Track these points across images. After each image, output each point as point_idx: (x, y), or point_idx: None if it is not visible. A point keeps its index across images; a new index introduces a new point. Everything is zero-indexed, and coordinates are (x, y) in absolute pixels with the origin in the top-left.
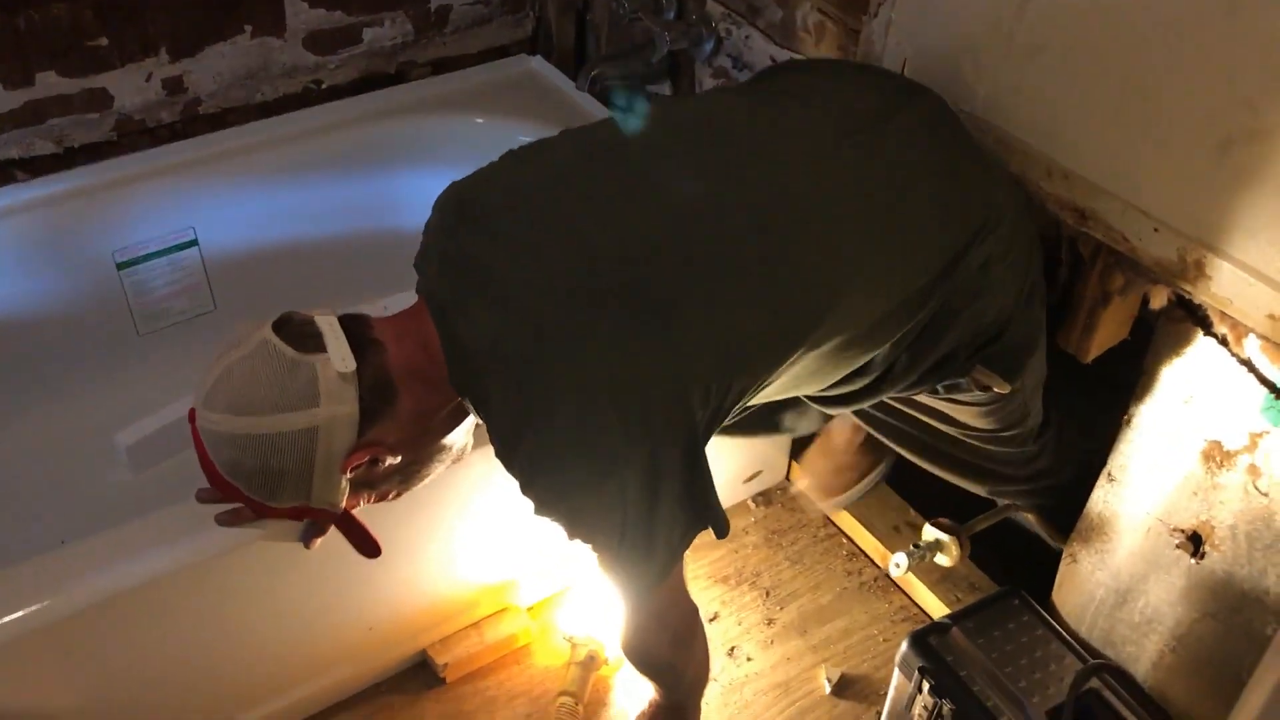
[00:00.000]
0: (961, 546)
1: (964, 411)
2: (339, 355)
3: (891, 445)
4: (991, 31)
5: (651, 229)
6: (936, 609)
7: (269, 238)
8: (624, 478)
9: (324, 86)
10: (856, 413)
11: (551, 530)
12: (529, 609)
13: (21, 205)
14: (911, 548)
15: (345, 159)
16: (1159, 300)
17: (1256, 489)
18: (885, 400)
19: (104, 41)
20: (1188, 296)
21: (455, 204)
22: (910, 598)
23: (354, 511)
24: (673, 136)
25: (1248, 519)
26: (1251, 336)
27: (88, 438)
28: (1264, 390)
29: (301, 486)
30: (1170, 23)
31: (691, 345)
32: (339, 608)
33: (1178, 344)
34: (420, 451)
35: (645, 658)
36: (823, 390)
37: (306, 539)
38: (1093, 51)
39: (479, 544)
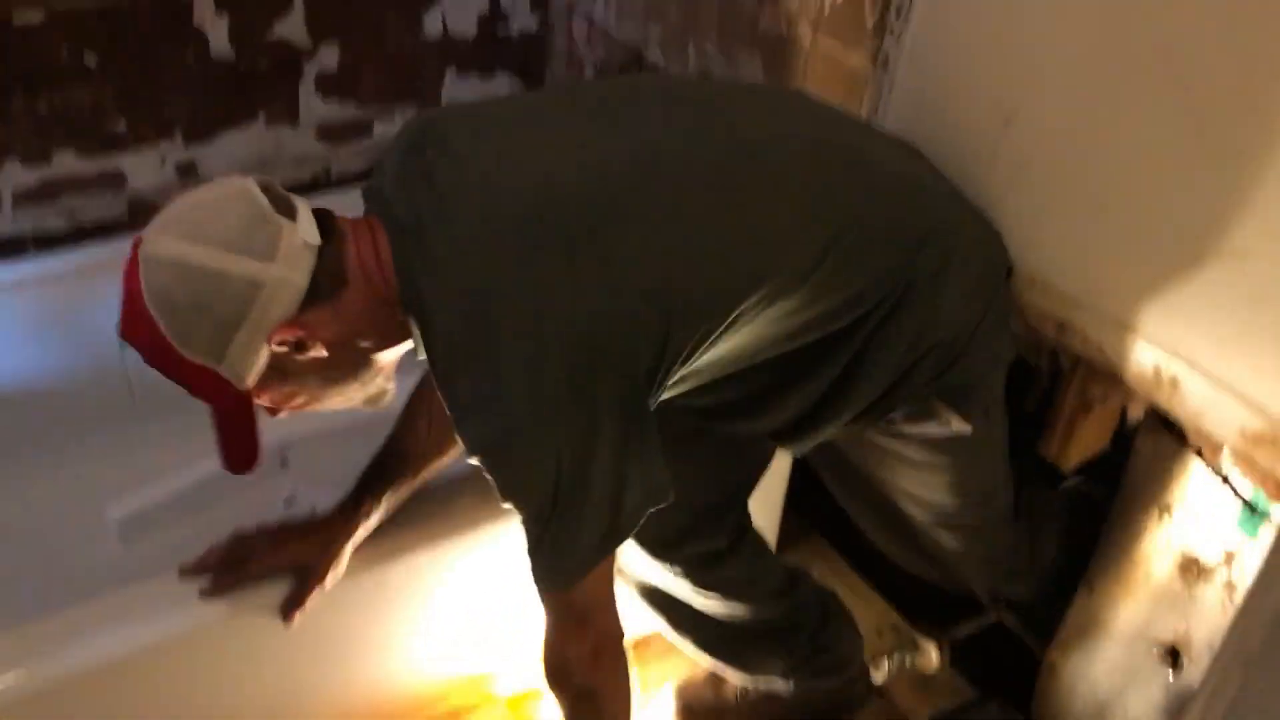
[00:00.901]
0: (943, 652)
1: (927, 475)
2: (307, 227)
3: (852, 511)
4: (976, 148)
5: (614, 171)
6: (918, 715)
7: None
8: (564, 430)
9: (333, 175)
10: (823, 462)
11: (532, 614)
12: (508, 701)
13: (31, 279)
14: (892, 653)
15: None
16: (1136, 412)
17: (1233, 603)
18: (847, 451)
19: (122, 125)
20: (1163, 410)
21: (421, 126)
22: (892, 701)
23: (253, 416)
24: (645, 93)
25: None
26: (1226, 450)
27: (80, 509)
28: (1239, 503)
29: (221, 340)
30: (1145, 143)
31: (641, 290)
32: (316, 689)
33: (1156, 455)
34: (346, 357)
35: (561, 674)
36: (787, 400)
37: (287, 612)
38: (1072, 169)
39: (451, 631)
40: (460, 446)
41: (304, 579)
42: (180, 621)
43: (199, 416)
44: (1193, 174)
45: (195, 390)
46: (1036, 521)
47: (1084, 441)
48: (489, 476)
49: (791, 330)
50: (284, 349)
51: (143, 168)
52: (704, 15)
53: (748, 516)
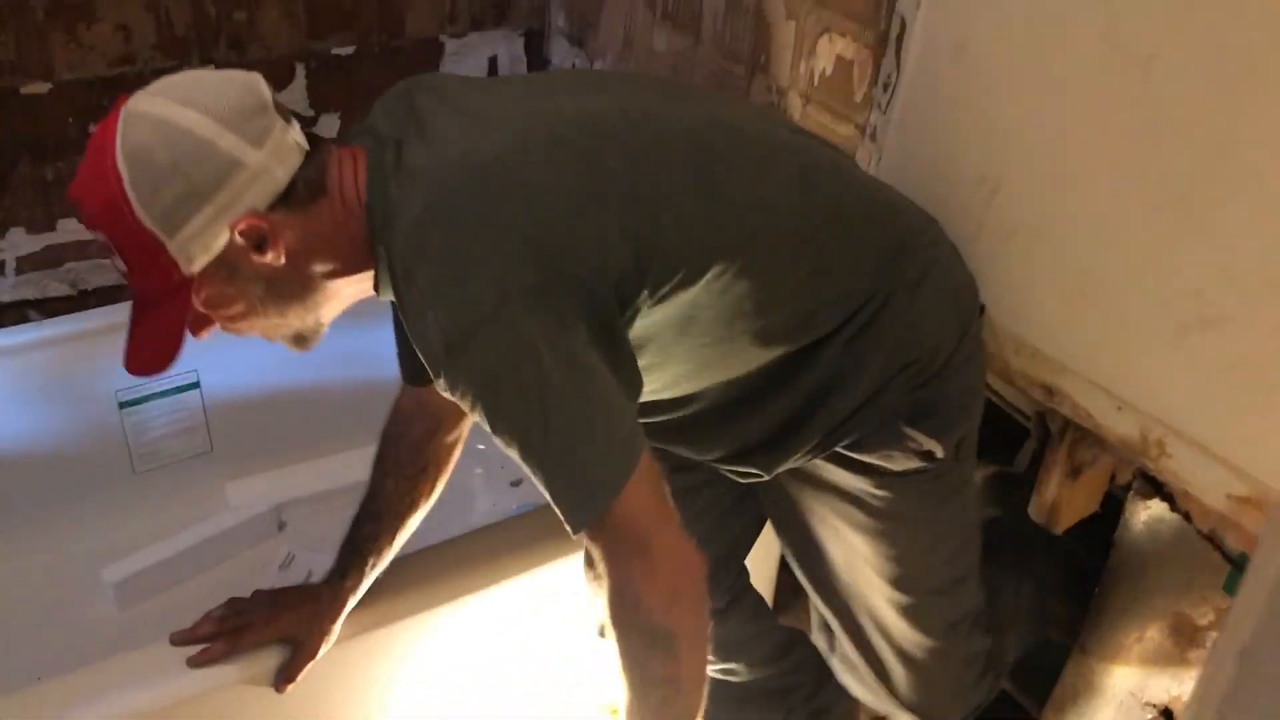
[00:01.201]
0: None
1: (888, 526)
2: (299, 133)
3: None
4: (963, 217)
5: (606, 118)
6: None
7: (268, 382)
8: (536, 321)
9: None
10: (786, 539)
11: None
12: None
13: (32, 344)
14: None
15: (348, 309)
16: (1125, 475)
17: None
18: (807, 516)
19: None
20: (1151, 473)
21: (410, 80)
22: None
23: (186, 313)
24: (635, 78)
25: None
26: (1214, 513)
27: (76, 572)
28: (1229, 566)
29: (185, 209)
30: (1126, 213)
31: (619, 220)
32: None
33: (1145, 518)
34: (300, 273)
35: (633, 612)
36: (766, 409)
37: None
38: (1056, 238)
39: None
40: (431, 499)
41: (296, 650)
42: (174, 689)
43: (197, 481)
44: (1173, 242)
45: (134, 263)
46: (1005, 626)
47: (1074, 504)
48: (465, 391)
49: (769, 331)
50: (244, 241)
51: None
52: (696, 85)
53: (745, 576)
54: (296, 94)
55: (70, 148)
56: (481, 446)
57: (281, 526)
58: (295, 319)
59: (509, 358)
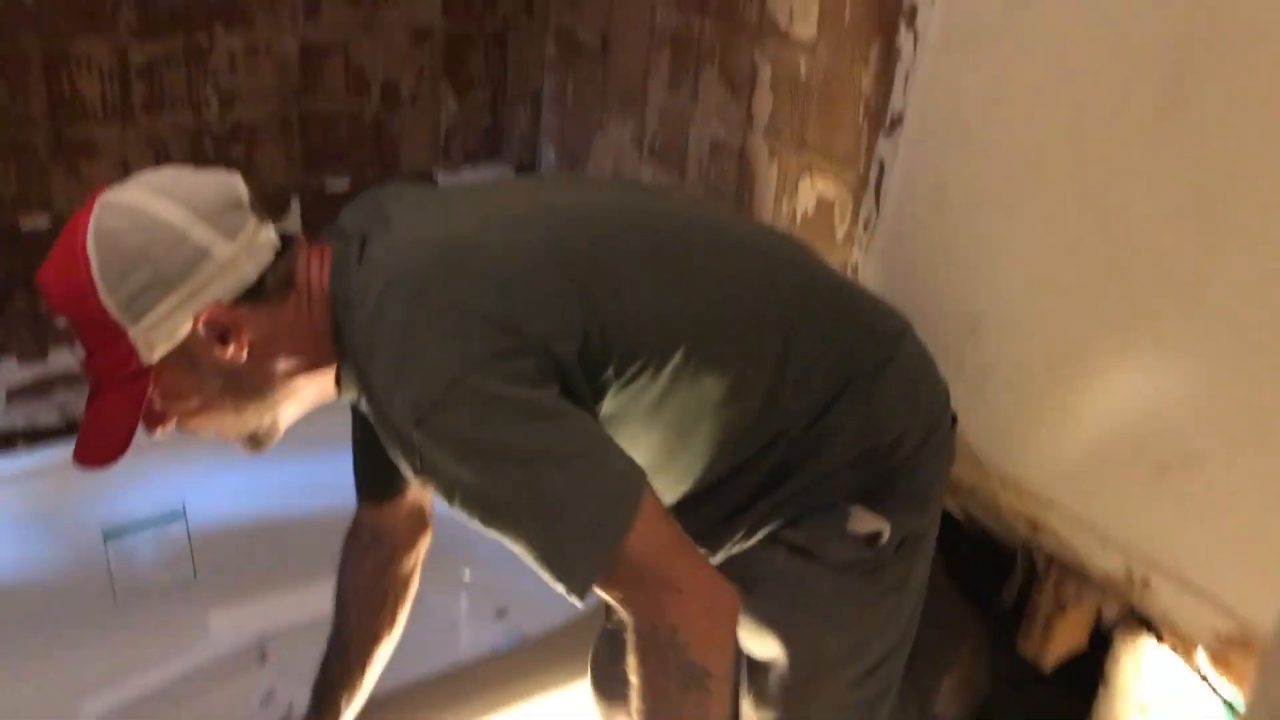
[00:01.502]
0: None
1: (804, 630)
2: (272, 233)
3: None
4: (944, 354)
5: (569, 205)
6: None
7: (253, 511)
8: (501, 381)
9: None
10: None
11: None
12: None
13: (20, 473)
14: None
15: (334, 436)
16: (1112, 611)
17: None
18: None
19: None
20: (1137, 610)
21: (377, 186)
22: None
23: (142, 402)
24: (598, 180)
25: None
26: (1201, 649)
27: (56, 704)
28: (1219, 702)
29: (150, 296)
30: (1103, 352)
31: (588, 289)
32: None
33: (1134, 654)
34: (261, 371)
35: (665, 650)
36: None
37: None
38: (1035, 375)
39: None
40: (395, 629)
41: None
42: None
43: (180, 610)
44: (1151, 381)
45: (94, 348)
46: None
47: (1062, 639)
48: (440, 466)
49: (734, 421)
50: (207, 333)
51: None
52: (659, 185)
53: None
54: (291, 225)
55: None
56: (467, 576)
57: (263, 658)
58: (252, 417)
59: (480, 420)
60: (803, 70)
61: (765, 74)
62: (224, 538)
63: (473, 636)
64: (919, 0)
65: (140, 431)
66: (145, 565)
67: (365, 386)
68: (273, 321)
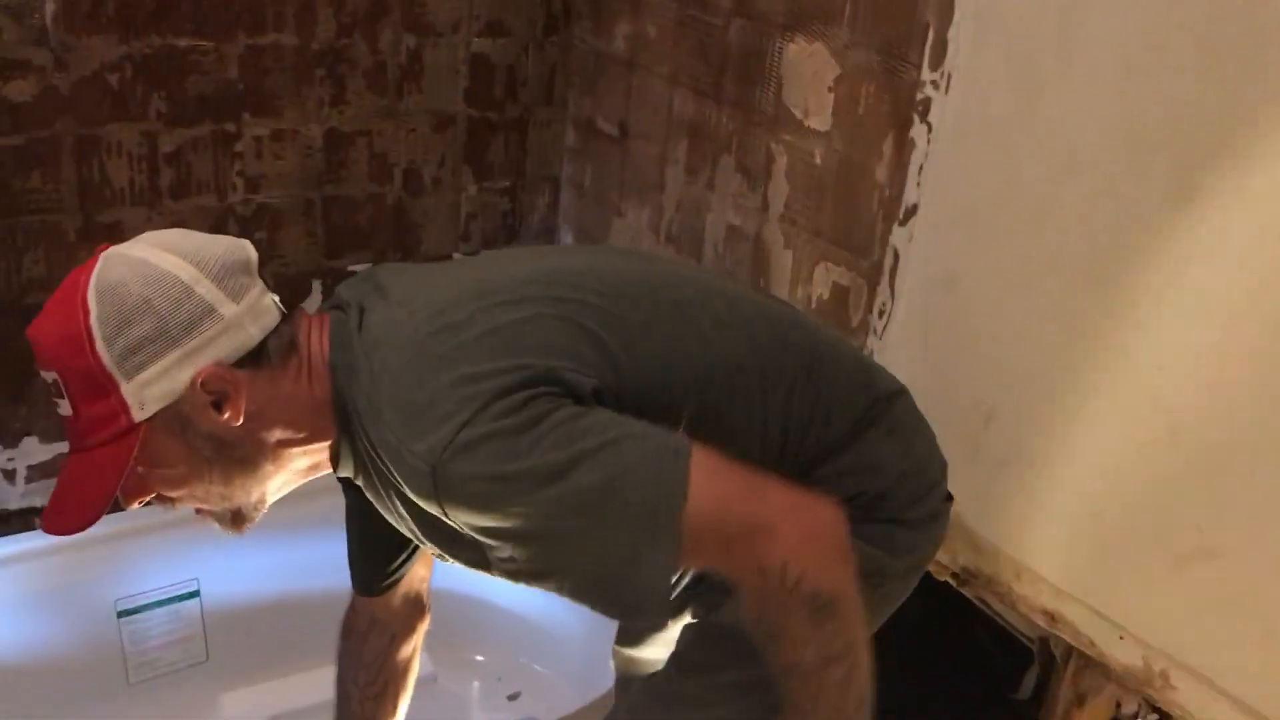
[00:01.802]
0: None
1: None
2: (275, 300)
3: None
4: (959, 444)
5: (574, 268)
6: None
7: (267, 592)
8: (526, 404)
9: None
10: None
11: None
12: None
13: (36, 552)
14: None
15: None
16: (1130, 705)
17: None
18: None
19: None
20: (1156, 704)
21: (374, 265)
22: None
23: (127, 463)
24: (605, 248)
25: None
26: None
27: None
28: None
29: (149, 350)
30: (1120, 446)
31: (599, 336)
32: None
33: None
34: (253, 440)
35: (779, 589)
36: None
37: None
38: (1052, 467)
39: None
40: (398, 715)
41: None
42: None
43: (192, 692)
44: (1168, 475)
45: (81, 402)
46: None
47: None
48: (467, 511)
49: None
50: (203, 395)
51: None
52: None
53: None
54: (311, 307)
55: None
56: (480, 658)
57: None
58: (239, 490)
59: (500, 456)
60: (818, 160)
61: (781, 163)
62: (237, 618)
63: None
64: (932, 93)
65: (131, 504)
66: (158, 644)
67: (372, 455)
68: (272, 388)
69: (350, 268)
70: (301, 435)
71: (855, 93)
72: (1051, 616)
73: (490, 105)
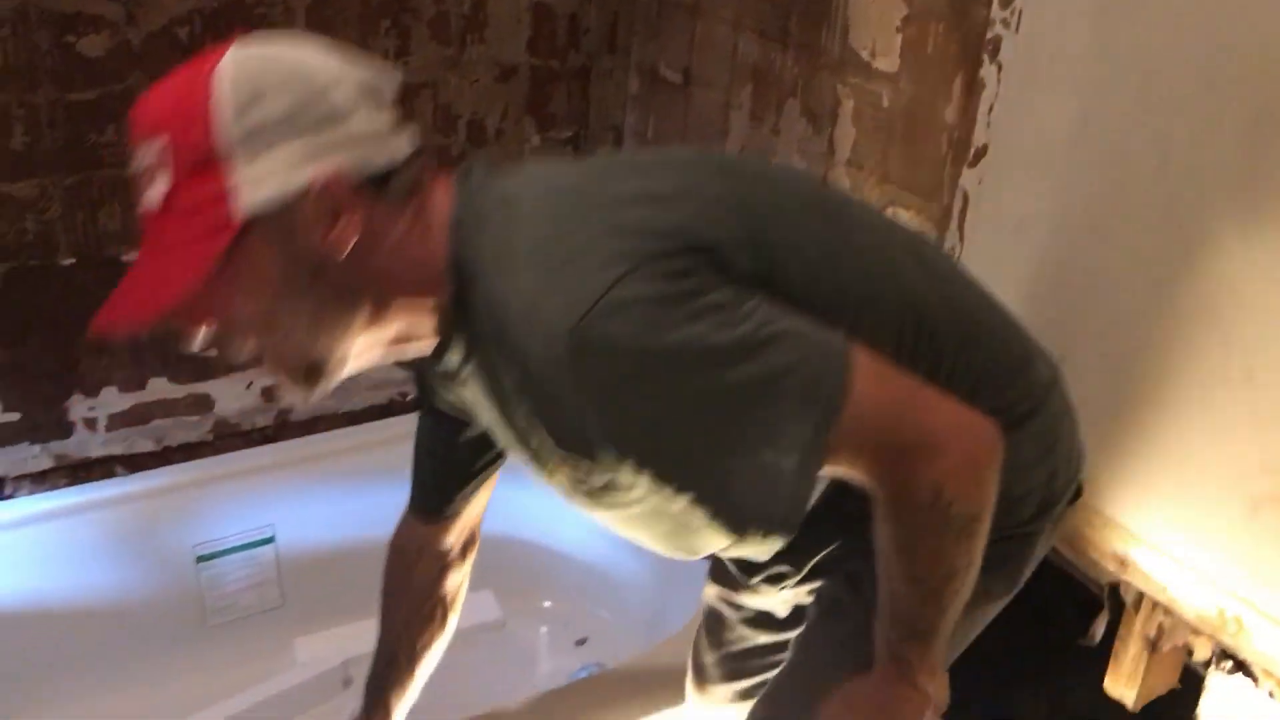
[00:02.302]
0: None
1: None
2: (411, 137)
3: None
4: None
5: (734, 166)
6: None
7: (340, 538)
8: (680, 290)
9: (409, 399)
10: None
11: None
12: None
13: (117, 499)
14: None
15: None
16: (1203, 651)
17: None
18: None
19: (214, 352)
20: (1230, 650)
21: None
22: None
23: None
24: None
25: None
26: None
27: None
28: None
29: (272, 135)
30: (1192, 388)
31: (745, 230)
32: None
33: (1226, 695)
34: (357, 275)
35: (933, 522)
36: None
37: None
38: (1124, 410)
39: None
40: (445, 635)
41: None
42: None
43: (266, 635)
44: (1240, 418)
45: (183, 182)
46: None
47: (1151, 679)
48: (602, 381)
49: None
50: (317, 205)
51: (230, 392)
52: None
53: None
54: None
55: None
56: (548, 604)
57: (347, 683)
58: (325, 336)
59: (653, 320)
60: (885, 102)
61: (847, 107)
62: (311, 564)
63: (551, 666)
64: (1002, 31)
65: (194, 332)
66: (235, 588)
67: (490, 322)
68: (388, 223)
69: None
70: (405, 285)
71: (923, 33)
72: (1122, 562)
73: (553, 54)
